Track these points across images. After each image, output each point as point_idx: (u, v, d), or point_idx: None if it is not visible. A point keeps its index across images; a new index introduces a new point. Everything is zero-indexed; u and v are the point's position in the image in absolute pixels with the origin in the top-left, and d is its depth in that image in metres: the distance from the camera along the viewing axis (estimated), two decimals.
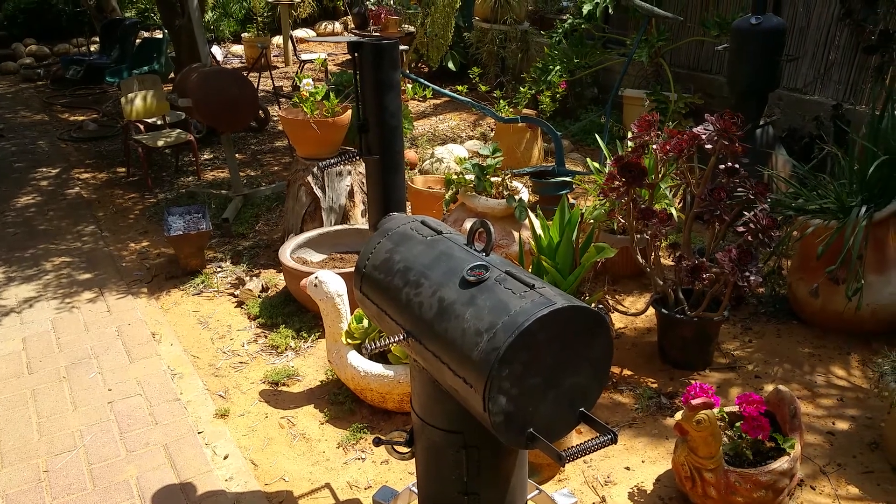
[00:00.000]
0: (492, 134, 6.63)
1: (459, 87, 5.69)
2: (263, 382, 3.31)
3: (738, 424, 2.45)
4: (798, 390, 3.10)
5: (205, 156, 6.65)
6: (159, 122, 6.28)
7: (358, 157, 2.05)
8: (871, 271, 3.28)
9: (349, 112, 4.34)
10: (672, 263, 3.15)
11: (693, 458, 2.31)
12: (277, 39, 11.45)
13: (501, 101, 5.47)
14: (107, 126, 7.79)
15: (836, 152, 3.64)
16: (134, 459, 2.79)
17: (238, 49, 11.60)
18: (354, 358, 2.99)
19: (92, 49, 10.95)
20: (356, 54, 1.96)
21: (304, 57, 8.78)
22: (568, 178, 4.64)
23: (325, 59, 6.39)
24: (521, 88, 5.74)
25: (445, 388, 1.77)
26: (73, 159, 6.76)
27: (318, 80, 7.98)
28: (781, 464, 2.34)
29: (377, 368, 2.94)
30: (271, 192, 5.57)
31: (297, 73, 6.27)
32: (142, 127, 6.06)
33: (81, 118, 8.19)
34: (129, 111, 5.92)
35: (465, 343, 1.60)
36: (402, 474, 2.70)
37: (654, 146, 3.18)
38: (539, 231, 3.21)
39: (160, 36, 9.96)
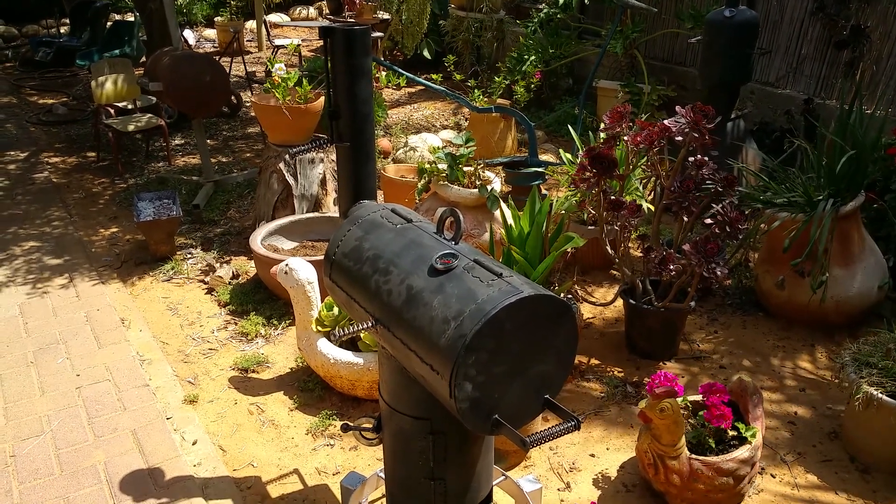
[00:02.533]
0: (466, 123, 6.64)
1: (434, 76, 5.69)
2: (233, 369, 3.30)
3: (701, 413, 2.49)
4: (762, 381, 3.17)
5: (176, 141, 6.57)
6: (130, 107, 6.19)
7: (329, 145, 2.05)
8: (836, 265, 3.35)
9: (322, 99, 4.32)
10: (641, 255, 3.19)
11: (656, 446, 2.35)
12: (251, 24, 11.32)
13: (476, 91, 5.47)
14: (77, 110, 7.65)
15: (805, 146, 3.70)
16: (102, 445, 2.77)
17: (211, 33, 11.45)
18: (324, 345, 2.99)
19: (62, 31, 10.73)
20: (328, 40, 1.95)
21: (277, 42, 8.69)
22: (541, 169, 4.67)
23: (299, 45, 6.32)
24: (496, 78, 5.76)
25: (413, 375, 1.78)
26: (43, 143, 6.64)
27: (292, 65, 7.92)
28: (743, 452, 2.39)
29: (347, 356, 2.94)
30: (243, 179, 5.52)
31: (269, 58, 6.21)
32: (112, 111, 5.97)
33: (51, 101, 8.03)
34: (99, 95, 5.82)
35: (433, 330, 1.61)
36: (371, 460, 2.71)
37: (626, 138, 3.21)
38: (510, 221, 3.23)
39: (132, 19, 9.78)
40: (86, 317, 3.69)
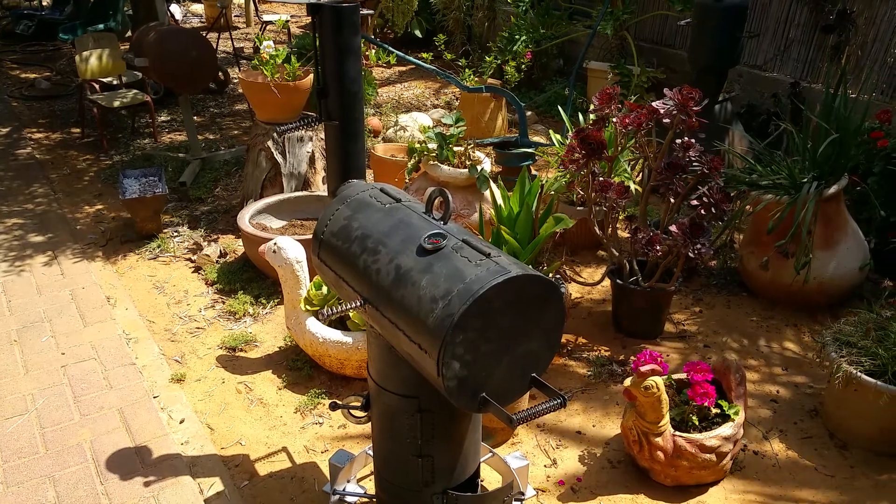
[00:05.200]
0: (457, 103, 6.61)
1: (425, 55, 5.64)
2: (221, 348, 3.30)
3: (685, 391, 2.53)
4: (745, 360, 3.21)
5: (162, 118, 6.50)
6: (115, 82, 6.10)
7: (317, 123, 2.03)
8: (819, 246, 3.39)
9: (311, 76, 4.28)
10: (629, 235, 3.21)
11: (641, 423, 2.39)
12: None
13: (467, 70, 5.44)
14: (60, 85, 7.54)
15: (791, 130, 3.73)
16: (88, 423, 2.77)
17: (197, 8, 11.27)
18: (313, 324, 3.00)
19: (44, 3, 10.53)
20: (316, 17, 1.93)
21: (266, 18, 8.58)
22: (531, 150, 4.66)
23: (288, 21, 6.25)
24: (487, 58, 5.71)
25: (401, 354, 1.79)
26: (25, 118, 6.54)
27: (280, 42, 7.83)
28: (726, 429, 2.43)
29: (336, 335, 2.95)
30: (230, 157, 5.48)
31: (257, 34, 6.14)
32: (97, 86, 5.89)
33: (33, 76, 7.90)
34: (83, 70, 5.73)
35: (421, 310, 1.62)
36: (359, 439, 2.73)
37: (615, 119, 3.21)
38: (500, 201, 3.23)
39: None
40: (71, 295, 3.67)
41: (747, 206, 3.59)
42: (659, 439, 2.37)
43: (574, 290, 3.75)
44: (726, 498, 2.47)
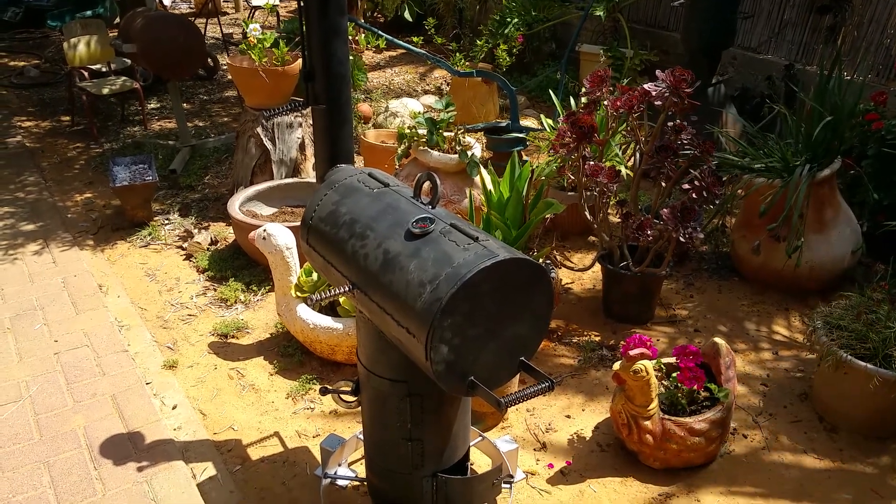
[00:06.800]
0: (448, 88, 6.57)
1: (415, 39, 5.60)
2: (212, 335, 3.30)
3: (674, 375, 2.54)
4: (736, 344, 3.23)
5: (151, 105, 6.45)
6: (104, 69, 6.05)
7: (304, 107, 2.02)
8: (811, 230, 3.39)
9: (299, 61, 4.24)
10: (619, 220, 3.21)
11: (630, 407, 2.40)
12: None
13: (457, 55, 5.41)
14: (49, 72, 7.47)
15: (784, 112, 3.72)
16: (81, 410, 2.77)
17: None
18: (304, 311, 3.00)
19: None
20: None
21: (254, 2, 8.50)
22: (522, 135, 4.65)
23: (276, 5, 6.20)
24: (478, 41, 5.69)
25: (390, 339, 1.79)
26: (15, 106, 6.49)
27: (269, 27, 7.77)
28: (715, 413, 2.45)
29: (326, 321, 2.95)
30: (220, 144, 5.45)
31: (244, 19, 6.08)
32: (86, 74, 5.84)
33: (22, 63, 7.82)
34: (72, 57, 5.68)
35: (409, 294, 1.62)
36: (350, 423, 2.74)
37: (606, 102, 3.20)
38: (490, 186, 3.23)
39: None
40: (63, 283, 3.66)
41: (739, 190, 3.59)
42: (648, 422, 2.38)
43: (564, 276, 3.75)
44: (715, 480, 2.49)
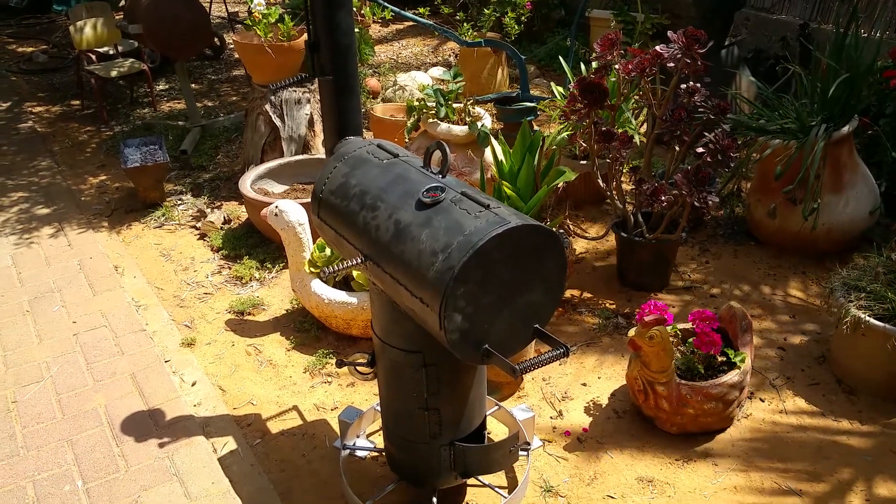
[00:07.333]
0: (456, 60, 6.51)
1: (421, 10, 5.54)
2: (229, 312, 3.32)
3: (690, 340, 2.53)
4: (752, 308, 3.20)
5: (160, 86, 6.45)
6: (111, 52, 6.04)
7: (310, 79, 2.01)
8: (827, 191, 3.34)
9: (305, 36, 4.21)
10: (633, 188, 3.17)
11: (646, 373, 2.39)
12: None
13: (465, 25, 5.35)
14: (58, 57, 7.47)
15: (799, 72, 3.64)
16: (101, 389, 2.81)
17: None
18: (318, 286, 3.01)
19: None
20: None
21: None
22: (532, 105, 4.60)
23: None
24: (486, 10, 5.61)
25: (403, 309, 1.79)
26: (25, 92, 6.51)
27: (273, 3, 7.71)
28: (731, 377, 2.43)
29: (341, 296, 2.96)
30: (230, 123, 5.44)
31: None
32: (94, 57, 5.83)
33: (30, 49, 7.83)
34: (79, 41, 5.68)
35: (421, 264, 1.61)
36: (368, 395, 2.76)
37: (617, 66, 3.15)
38: (501, 157, 3.20)
39: None
40: (79, 265, 3.69)
41: (754, 153, 3.54)
42: (663, 388, 2.38)
43: (578, 246, 3.73)
44: (733, 445, 2.48)
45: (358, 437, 2.43)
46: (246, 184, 3.79)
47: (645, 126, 4.03)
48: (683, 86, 3.04)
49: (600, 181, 3.30)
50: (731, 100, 4.21)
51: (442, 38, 7.21)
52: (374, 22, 7.35)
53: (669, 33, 3.04)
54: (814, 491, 2.30)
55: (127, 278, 3.59)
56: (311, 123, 4.34)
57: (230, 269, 3.66)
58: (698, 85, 3.02)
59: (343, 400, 2.74)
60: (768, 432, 2.54)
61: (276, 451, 2.52)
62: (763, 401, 2.68)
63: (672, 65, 3.00)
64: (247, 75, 6.31)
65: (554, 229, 2.94)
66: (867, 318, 2.53)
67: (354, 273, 3.05)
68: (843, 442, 2.49)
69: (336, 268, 1.79)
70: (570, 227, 3.46)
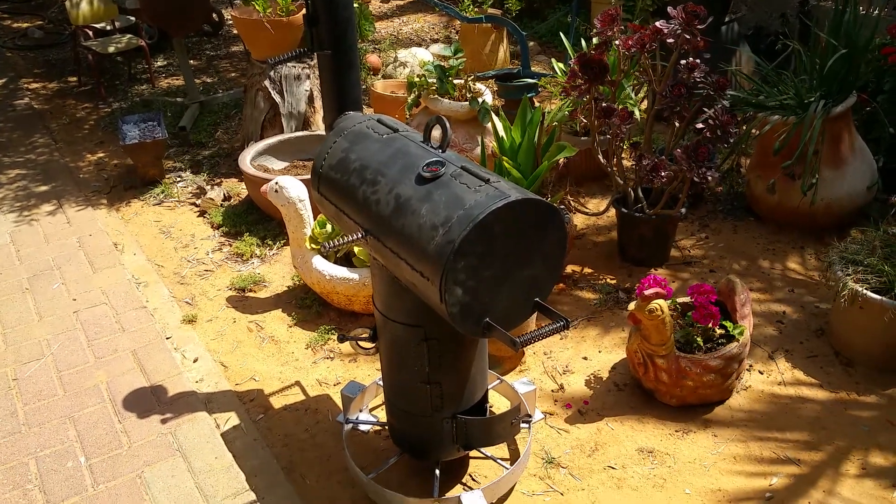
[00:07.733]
0: (457, 36, 6.46)
1: None
2: (230, 289, 3.33)
3: (689, 314, 2.54)
4: (751, 282, 3.22)
5: (158, 63, 6.40)
6: (108, 28, 5.99)
7: (309, 54, 2.00)
8: (826, 166, 3.35)
9: (304, 11, 4.18)
10: (633, 163, 3.17)
11: (645, 346, 2.41)
12: None
13: (466, 1, 5.30)
14: (54, 33, 7.41)
15: (798, 48, 3.63)
16: (103, 365, 2.83)
17: None
18: (319, 262, 3.01)
19: None
20: None
21: None
22: (533, 81, 4.57)
23: None
24: None
25: (405, 284, 1.80)
26: (21, 69, 6.46)
27: None
28: (730, 349, 2.45)
29: (342, 272, 2.97)
30: (229, 99, 5.41)
31: None
32: (90, 33, 5.78)
33: (26, 25, 7.76)
34: (75, 16, 5.62)
35: (422, 237, 1.62)
36: (370, 370, 2.78)
37: (618, 42, 3.13)
38: (501, 133, 3.19)
39: None
40: (78, 242, 3.69)
41: (753, 129, 3.53)
42: (663, 360, 2.40)
43: (579, 221, 3.73)
44: (732, 416, 2.51)
45: (360, 411, 2.45)
46: (246, 160, 3.78)
47: (645, 102, 4.01)
48: (683, 62, 3.02)
49: (601, 157, 3.30)
50: (730, 76, 4.19)
51: (443, 15, 7.15)
52: None
53: (669, 9, 3.02)
54: (811, 460, 2.33)
55: (127, 255, 3.59)
56: (310, 99, 4.32)
57: (231, 245, 3.66)
58: (698, 61, 3.01)
59: (345, 375, 2.77)
60: (767, 403, 2.56)
61: (278, 426, 2.55)
62: (762, 373, 2.71)
63: (672, 41, 2.98)
64: (245, 51, 6.27)
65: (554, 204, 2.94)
66: (864, 291, 2.55)
67: (356, 249, 3.05)
68: (840, 412, 2.51)
69: (337, 242, 1.80)
70: (571, 202, 3.46)
